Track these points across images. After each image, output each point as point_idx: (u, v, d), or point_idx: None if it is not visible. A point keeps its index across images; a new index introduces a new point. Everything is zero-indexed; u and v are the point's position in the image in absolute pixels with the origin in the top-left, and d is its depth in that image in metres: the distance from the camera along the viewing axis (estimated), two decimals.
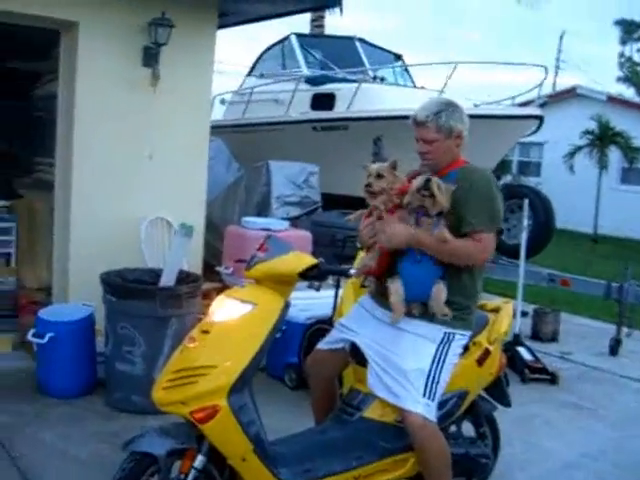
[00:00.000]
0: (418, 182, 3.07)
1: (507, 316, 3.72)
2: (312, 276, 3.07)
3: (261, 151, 8.93)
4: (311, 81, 9.63)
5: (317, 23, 13.87)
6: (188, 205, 6.14)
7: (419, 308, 3.18)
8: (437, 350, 3.15)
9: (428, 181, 3.04)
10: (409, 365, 3.09)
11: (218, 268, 6.03)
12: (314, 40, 11.30)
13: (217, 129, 8.53)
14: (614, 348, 7.36)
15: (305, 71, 10.02)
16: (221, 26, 6.62)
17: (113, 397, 4.68)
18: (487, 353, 3.49)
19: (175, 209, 5.99)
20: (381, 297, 3.29)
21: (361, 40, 10.47)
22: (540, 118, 8.24)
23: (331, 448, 3.18)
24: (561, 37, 30.24)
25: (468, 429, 3.75)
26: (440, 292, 3.12)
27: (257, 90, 10.24)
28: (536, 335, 7.47)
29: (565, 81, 30.39)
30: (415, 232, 3.08)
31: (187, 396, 2.81)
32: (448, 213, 3.12)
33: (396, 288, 3.14)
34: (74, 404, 4.70)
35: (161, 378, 2.96)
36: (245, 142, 9.40)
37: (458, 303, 3.22)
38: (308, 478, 3.03)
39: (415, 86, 10.23)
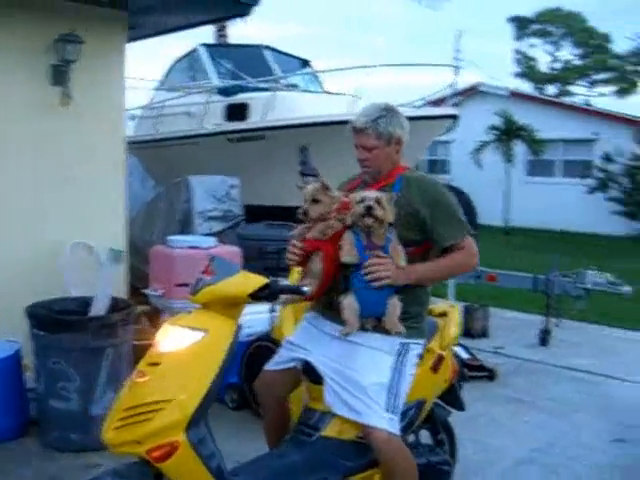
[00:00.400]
0: (359, 210, 2.96)
1: (455, 320, 3.68)
2: (263, 296, 2.93)
3: (176, 166, 8.73)
4: (223, 92, 9.46)
5: (221, 33, 13.69)
6: (109, 227, 5.90)
7: (372, 322, 3.09)
8: (395, 362, 3.06)
9: (370, 209, 2.94)
10: (368, 380, 2.98)
11: (146, 291, 5.80)
12: (222, 50, 11.11)
13: (128, 145, 8.26)
14: (544, 339, 7.50)
15: (216, 82, 9.84)
16: (129, 40, 6.40)
17: (49, 437, 4.42)
18: (441, 359, 3.44)
19: (96, 232, 5.73)
20: (330, 311, 3.18)
21: (268, 48, 10.36)
22: (455, 117, 8.33)
23: (293, 472, 3.04)
24: (458, 36, 30.86)
25: (424, 437, 3.71)
26: (395, 308, 3.03)
27: (168, 104, 10.00)
28: (467, 332, 7.52)
29: (464, 79, 31.05)
30: (410, 269, 3.05)
31: (142, 434, 2.62)
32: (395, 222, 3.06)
33: (349, 303, 3.03)
34: (7, 447, 4.42)
35: (110, 418, 2.76)
36: (158, 158, 9.16)
37: (409, 313, 3.15)
38: None
39: (325, 92, 10.20)
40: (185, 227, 7.20)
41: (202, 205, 7.26)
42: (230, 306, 2.93)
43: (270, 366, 3.32)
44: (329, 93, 9.87)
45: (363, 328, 3.07)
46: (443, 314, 3.64)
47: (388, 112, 3.16)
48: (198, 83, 10.18)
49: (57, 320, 4.39)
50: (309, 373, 3.20)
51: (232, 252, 5.97)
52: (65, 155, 5.61)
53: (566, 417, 5.40)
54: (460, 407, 3.79)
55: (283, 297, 3.12)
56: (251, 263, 5.97)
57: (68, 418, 4.29)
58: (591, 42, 35.71)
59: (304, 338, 3.26)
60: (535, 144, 18.50)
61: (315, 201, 3.07)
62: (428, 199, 3.10)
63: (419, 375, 3.21)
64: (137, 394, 2.72)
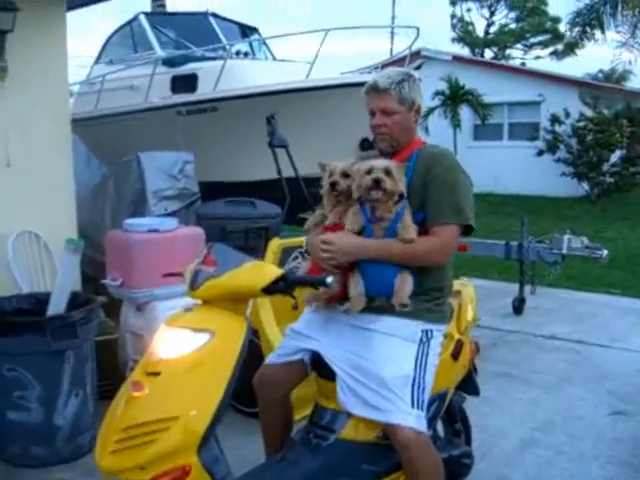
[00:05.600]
0: (366, 181, 2.62)
1: (471, 300, 3.35)
2: (278, 290, 2.51)
3: (122, 144, 8.14)
4: (168, 62, 8.84)
5: (159, 2, 12.95)
6: (57, 214, 5.41)
7: (382, 302, 2.73)
8: (418, 351, 2.72)
9: (377, 182, 2.60)
10: (389, 372, 2.62)
11: (104, 281, 5.30)
12: (165, 18, 10.40)
13: None
14: (519, 307, 7.28)
15: (160, 52, 9.21)
16: (68, 8, 5.82)
17: (8, 452, 3.92)
18: (461, 345, 3.12)
19: (43, 220, 5.24)
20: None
21: (214, 15, 9.76)
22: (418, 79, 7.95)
23: None
24: (393, 3, 30.54)
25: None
26: (404, 284, 2.68)
27: (108, 78, 9.32)
28: None
29: (401, 47, 30.88)
30: (363, 242, 2.67)
31: (146, 459, 2.22)
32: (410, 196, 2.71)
33: (355, 281, 2.69)
34: None
35: (104, 439, 2.33)
36: (102, 136, 8.53)
37: (429, 293, 2.81)
38: None
39: (278, 59, 9.70)
40: (138, 208, 6.66)
41: (156, 184, 6.72)
42: (237, 301, 2.53)
43: (272, 359, 2.92)
44: (282, 61, 9.38)
45: (372, 309, 2.73)
46: (457, 292, 3.29)
47: (410, 77, 2.84)
48: (140, 54, 9.55)
49: (9, 322, 3.89)
50: (318, 366, 2.82)
51: (195, 234, 5.51)
52: (5, 136, 5.06)
53: (558, 390, 5.17)
54: (475, 392, 3.50)
55: (306, 294, 2.70)
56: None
57: (29, 430, 3.82)
58: (526, 4, 35.79)
59: (311, 326, 2.88)
60: (482, 108, 18.31)
61: (346, 175, 2.72)
62: (430, 174, 2.76)
63: (440, 364, 2.86)
64: (136, 411, 2.30)
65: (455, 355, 3.08)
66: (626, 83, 29.37)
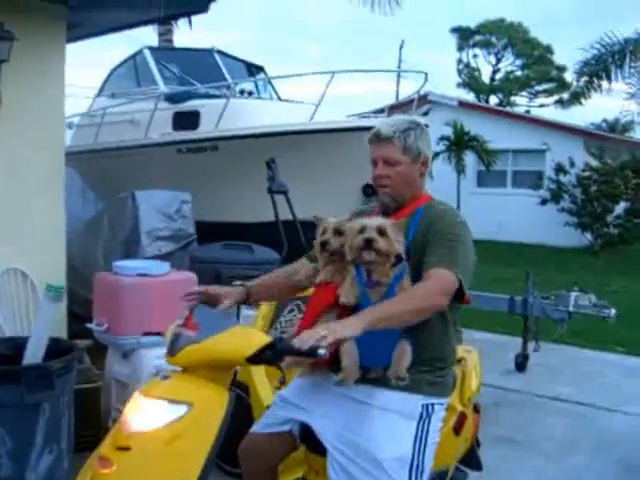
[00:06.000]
0: (358, 242, 2.38)
1: (476, 367, 3.11)
2: (265, 359, 2.27)
3: (119, 179, 7.97)
4: (171, 98, 8.72)
5: (165, 37, 12.91)
6: (46, 251, 5.19)
7: (377, 373, 2.49)
8: (417, 429, 2.46)
9: (369, 242, 2.36)
10: (385, 453, 2.37)
11: (89, 325, 5.05)
12: (169, 53, 10.36)
13: (65, 156, 7.53)
14: (522, 364, 7.01)
15: (163, 88, 9.09)
16: (68, 40, 5.67)
17: None
18: (464, 418, 2.87)
19: (31, 257, 5.02)
20: (335, 363, 2.50)
21: (220, 52, 9.68)
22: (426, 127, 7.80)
23: None
24: (401, 47, 30.66)
25: None
26: (402, 356, 2.44)
27: (110, 111, 9.19)
28: None
29: (407, 90, 31.00)
30: (365, 317, 2.24)
31: None
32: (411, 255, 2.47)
33: (349, 350, 2.40)
34: None
35: None
36: (99, 170, 8.38)
37: (431, 364, 2.56)
38: None
39: (283, 99, 9.58)
40: (131, 247, 6.45)
41: (150, 223, 6.52)
42: (219, 370, 2.29)
43: (259, 428, 2.68)
44: (287, 101, 9.25)
45: (365, 380, 2.48)
46: (459, 360, 3.04)
47: (417, 126, 2.64)
48: (143, 89, 9.43)
49: None
50: (308, 439, 2.57)
51: (187, 279, 5.28)
52: None
53: (564, 459, 4.88)
54: (478, 467, 3.24)
55: (288, 360, 2.43)
56: None
57: None
58: (533, 53, 36.03)
59: (302, 394, 2.63)
60: (486, 154, 18.22)
61: (339, 233, 2.50)
62: (432, 230, 2.52)
63: (441, 439, 2.61)
64: None
65: (457, 429, 2.84)
66: (629, 134, 29.43)
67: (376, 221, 2.43)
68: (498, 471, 4.57)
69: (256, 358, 2.23)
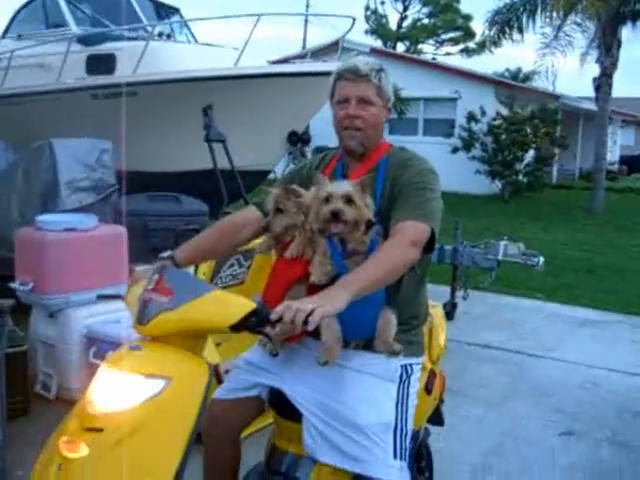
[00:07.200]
0: (324, 214, 2.19)
1: (442, 324, 3.03)
2: (249, 327, 2.06)
3: (31, 127, 7.50)
4: (84, 40, 8.20)
5: None
6: None
7: (360, 343, 2.37)
8: (398, 392, 2.36)
9: (336, 214, 2.17)
10: (367, 418, 2.26)
11: (12, 284, 4.72)
12: None
13: None
14: (450, 313, 7.06)
15: (75, 29, 8.54)
16: None
17: None
18: (434, 376, 2.80)
19: None
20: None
21: None
22: None
23: None
24: None
25: None
26: (387, 325, 2.29)
27: (16, 54, 8.56)
28: None
29: (313, 35, 30.60)
30: (349, 287, 2.03)
31: None
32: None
33: (328, 323, 2.18)
34: None
35: None
36: (8, 117, 7.85)
37: (408, 321, 2.45)
38: None
39: (204, 43, 9.15)
40: (49, 200, 6.08)
41: (69, 174, 6.15)
42: (194, 337, 2.09)
43: (221, 394, 2.49)
44: (207, 45, 8.85)
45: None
46: None
47: (384, 70, 2.46)
48: (53, 31, 8.82)
49: None
50: (279, 404, 2.42)
51: (116, 233, 5.03)
52: None
53: (502, 407, 4.94)
54: (440, 422, 3.18)
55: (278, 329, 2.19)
56: (133, 244, 5.07)
57: None
58: (439, 1, 36.18)
59: (270, 357, 2.44)
60: (400, 103, 18.18)
61: (279, 210, 2.30)
62: (400, 183, 2.38)
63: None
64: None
65: (429, 389, 2.76)
66: (531, 83, 30.03)
67: (342, 187, 2.22)
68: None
69: (240, 325, 2.04)
